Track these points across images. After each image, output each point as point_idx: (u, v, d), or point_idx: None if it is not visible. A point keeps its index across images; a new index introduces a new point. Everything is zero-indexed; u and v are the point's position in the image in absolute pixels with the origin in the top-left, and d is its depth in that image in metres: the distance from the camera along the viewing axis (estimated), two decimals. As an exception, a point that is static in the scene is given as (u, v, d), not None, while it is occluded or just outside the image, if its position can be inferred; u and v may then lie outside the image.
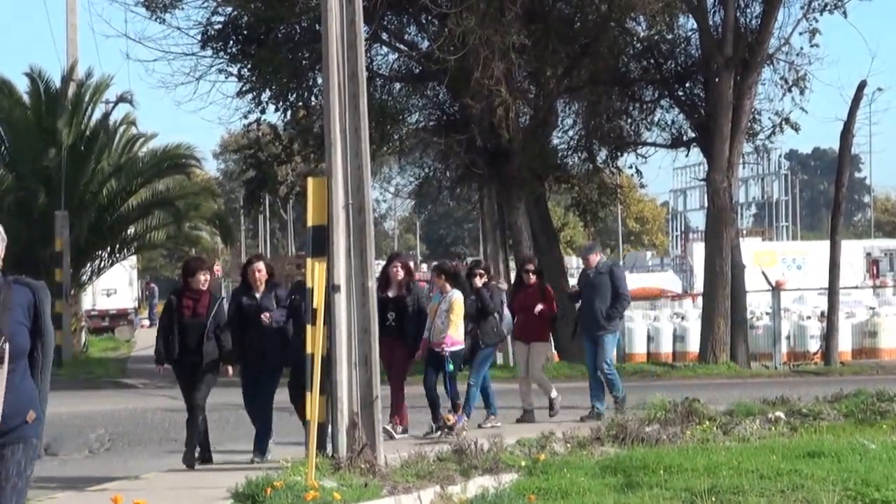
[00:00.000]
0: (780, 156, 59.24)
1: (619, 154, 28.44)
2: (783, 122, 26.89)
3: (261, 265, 12.27)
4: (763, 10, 24.54)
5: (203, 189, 35.20)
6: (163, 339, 11.84)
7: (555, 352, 24.02)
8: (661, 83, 27.05)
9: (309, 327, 10.39)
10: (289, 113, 26.96)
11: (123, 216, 31.42)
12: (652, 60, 27.11)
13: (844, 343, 25.87)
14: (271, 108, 26.75)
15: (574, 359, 21.66)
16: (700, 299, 26.66)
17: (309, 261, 10.69)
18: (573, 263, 40.61)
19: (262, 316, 11.82)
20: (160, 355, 11.87)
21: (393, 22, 26.69)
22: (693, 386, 19.50)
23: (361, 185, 10.76)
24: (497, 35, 22.86)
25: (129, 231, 32.20)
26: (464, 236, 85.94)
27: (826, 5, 24.95)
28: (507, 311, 14.48)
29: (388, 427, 12.63)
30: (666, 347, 26.85)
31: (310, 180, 10.98)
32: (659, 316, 28.41)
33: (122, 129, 32.16)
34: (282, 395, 12.18)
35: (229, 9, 26.08)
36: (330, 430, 10.58)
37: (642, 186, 45.04)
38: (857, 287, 31.76)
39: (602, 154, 28.33)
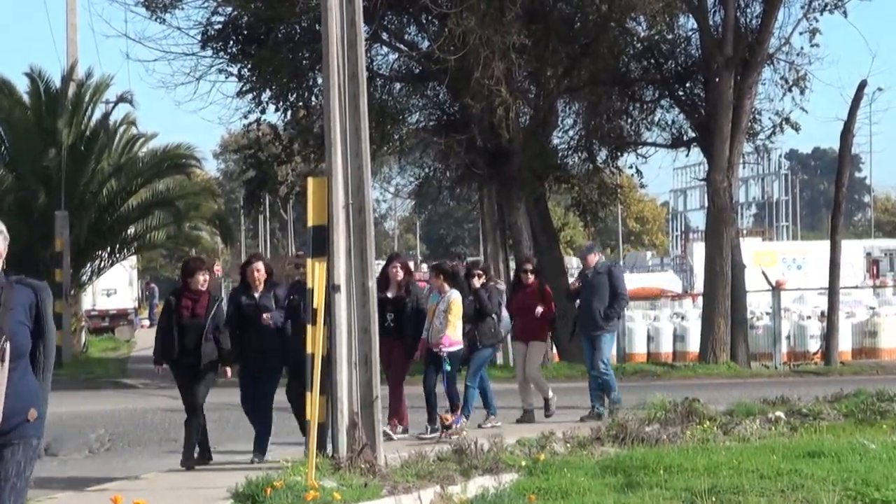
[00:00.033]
0: (780, 156, 59.28)
1: (619, 154, 28.44)
2: (783, 122, 26.90)
3: (260, 265, 12.25)
4: (763, 10, 24.54)
5: (203, 189, 35.15)
6: (161, 340, 11.84)
7: (555, 352, 24.08)
8: (662, 83, 27.05)
9: (309, 327, 10.39)
10: (289, 113, 26.96)
11: (123, 216, 31.40)
12: (652, 60, 27.11)
13: (844, 343, 25.91)
14: (271, 108, 26.81)
15: (574, 359, 21.66)
16: (700, 299, 26.67)
17: (309, 261, 10.69)
18: (573, 263, 40.60)
19: (264, 316, 11.82)
20: (158, 356, 11.88)
21: (393, 22, 26.68)
22: (693, 386, 19.51)
23: (361, 185, 10.76)
24: (497, 35, 22.86)
25: (129, 231, 32.16)
26: (464, 236, 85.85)
27: (826, 5, 24.97)
28: (504, 312, 14.48)
29: (387, 429, 12.59)
30: (666, 347, 26.88)
31: (310, 180, 10.98)
32: (659, 316, 28.44)
33: (122, 129, 32.13)
34: (281, 395, 12.17)
35: (229, 9, 26.08)
36: (330, 430, 10.58)
37: (642, 186, 45.11)
38: (857, 287, 31.77)
39: (602, 154, 28.34)
